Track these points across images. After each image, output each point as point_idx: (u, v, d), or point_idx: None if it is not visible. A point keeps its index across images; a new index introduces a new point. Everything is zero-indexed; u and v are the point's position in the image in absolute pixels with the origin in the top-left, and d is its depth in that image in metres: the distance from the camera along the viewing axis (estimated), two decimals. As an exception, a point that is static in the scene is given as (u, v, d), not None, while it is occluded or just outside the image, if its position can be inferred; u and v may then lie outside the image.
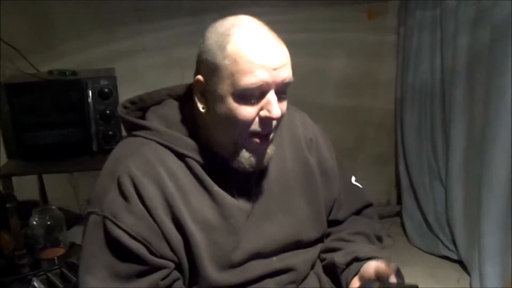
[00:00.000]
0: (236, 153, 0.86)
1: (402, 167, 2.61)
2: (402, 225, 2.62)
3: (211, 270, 0.85)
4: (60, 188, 2.21)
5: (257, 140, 0.85)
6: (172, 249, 0.84)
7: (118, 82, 1.74)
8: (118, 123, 1.76)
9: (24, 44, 1.96)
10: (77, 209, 2.25)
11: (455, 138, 2.17)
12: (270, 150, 0.88)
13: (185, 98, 0.94)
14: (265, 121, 0.83)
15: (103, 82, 1.73)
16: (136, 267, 0.82)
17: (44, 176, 2.07)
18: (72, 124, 1.75)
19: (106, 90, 1.72)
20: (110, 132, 1.75)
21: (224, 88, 0.82)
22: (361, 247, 0.97)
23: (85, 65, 1.97)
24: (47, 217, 1.87)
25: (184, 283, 0.87)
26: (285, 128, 1.00)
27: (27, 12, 2.05)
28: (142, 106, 0.95)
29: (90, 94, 1.71)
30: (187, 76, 0.97)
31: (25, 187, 1.98)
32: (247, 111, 0.82)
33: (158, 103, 0.95)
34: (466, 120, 2.11)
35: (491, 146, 1.90)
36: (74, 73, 1.81)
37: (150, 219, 0.82)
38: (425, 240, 2.44)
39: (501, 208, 1.89)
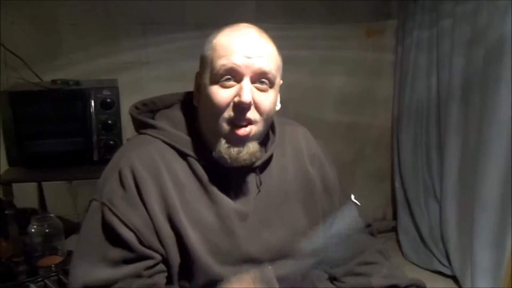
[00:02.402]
0: (216, 142, 0.88)
1: (398, 183, 2.64)
2: (397, 240, 2.63)
3: (211, 262, 0.88)
4: (59, 196, 2.21)
5: (233, 129, 0.87)
6: (161, 243, 0.87)
7: (120, 93, 1.76)
8: (120, 133, 1.78)
9: (28, 54, 1.97)
10: (75, 218, 2.25)
11: (449, 155, 2.20)
12: (253, 147, 0.89)
13: (193, 103, 0.97)
14: (238, 107, 0.85)
15: (105, 93, 1.74)
16: (123, 254, 0.84)
17: (44, 184, 2.07)
18: (73, 133, 1.75)
19: (108, 100, 1.73)
20: (111, 142, 1.76)
21: (206, 76, 0.88)
22: (396, 272, 1.02)
23: (88, 76, 1.98)
24: (46, 225, 1.87)
25: (172, 278, 0.89)
26: (288, 141, 1.03)
27: (32, 22, 2.07)
28: (153, 108, 1.00)
29: (93, 104, 1.72)
30: (189, 89, 1.00)
31: (24, 194, 1.99)
32: (220, 95, 0.85)
33: (168, 107, 1.00)
34: (460, 138, 2.14)
35: (484, 163, 1.93)
36: (77, 83, 1.81)
37: (144, 211, 0.85)
38: (419, 256, 2.46)
39: (494, 224, 1.92)
